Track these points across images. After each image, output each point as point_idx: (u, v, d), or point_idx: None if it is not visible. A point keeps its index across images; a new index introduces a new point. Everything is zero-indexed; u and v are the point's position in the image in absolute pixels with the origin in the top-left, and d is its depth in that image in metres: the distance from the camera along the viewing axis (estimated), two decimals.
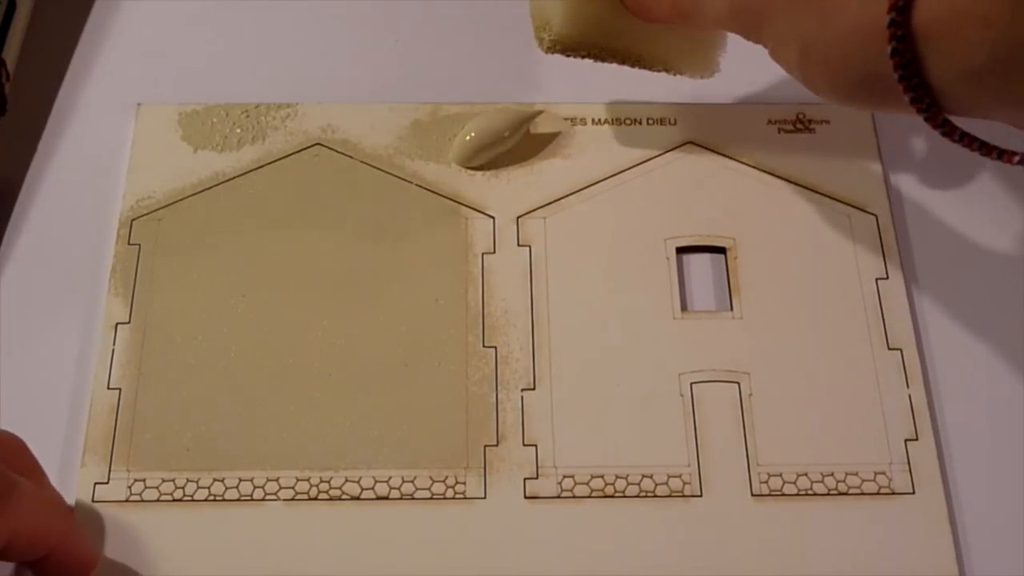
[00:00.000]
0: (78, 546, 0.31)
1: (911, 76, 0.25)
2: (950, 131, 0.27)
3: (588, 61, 0.37)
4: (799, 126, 0.40)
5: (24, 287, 0.37)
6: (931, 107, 0.26)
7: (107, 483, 0.34)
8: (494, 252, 0.38)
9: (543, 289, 0.37)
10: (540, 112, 0.40)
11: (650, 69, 0.37)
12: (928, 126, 0.27)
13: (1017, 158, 0.27)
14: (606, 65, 0.40)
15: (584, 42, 0.36)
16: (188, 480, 0.34)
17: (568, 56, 0.36)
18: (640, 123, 0.40)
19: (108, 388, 0.35)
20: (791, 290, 0.37)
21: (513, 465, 0.34)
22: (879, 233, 0.38)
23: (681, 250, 0.38)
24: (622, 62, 0.37)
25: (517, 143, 0.39)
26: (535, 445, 0.34)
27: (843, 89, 0.28)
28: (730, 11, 0.30)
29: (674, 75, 0.37)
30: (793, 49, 0.28)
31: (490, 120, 0.39)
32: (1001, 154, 0.27)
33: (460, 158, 0.39)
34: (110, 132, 0.40)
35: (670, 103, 0.41)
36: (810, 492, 0.34)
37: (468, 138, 0.39)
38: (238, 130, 0.40)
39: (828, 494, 0.34)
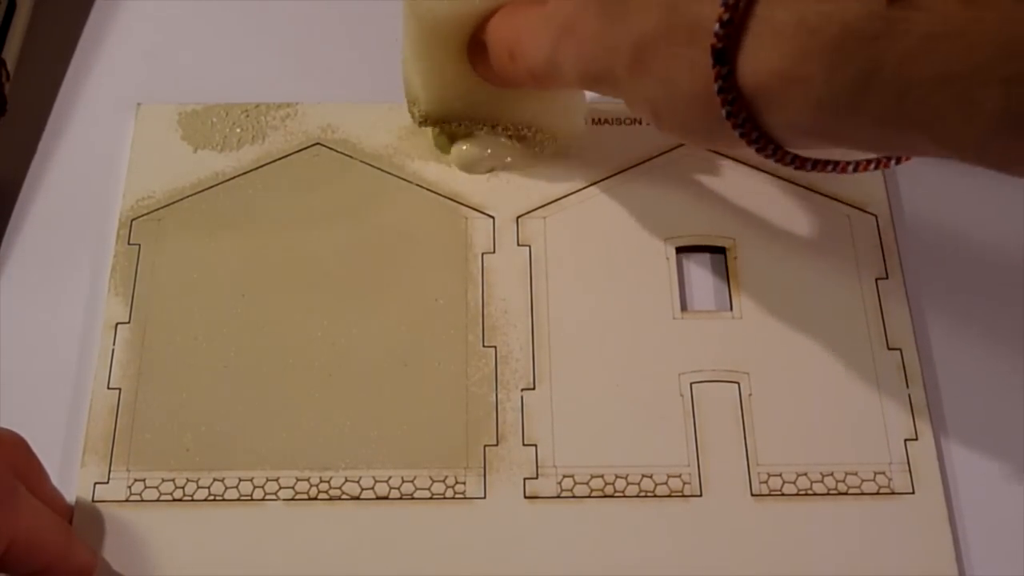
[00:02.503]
0: (75, 556, 0.31)
1: (750, 132, 0.27)
2: (800, 164, 0.28)
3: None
4: None
5: (24, 287, 0.37)
6: (776, 151, 0.28)
7: (107, 483, 0.34)
8: (494, 252, 0.38)
9: (543, 289, 0.37)
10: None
11: (522, 132, 0.38)
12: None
13: (852, 166, 0.30)
14: None
15: (453, 114, 0.38)
16: (188, 480, 0.34)
17: (442, 128, 0.39)
18: (640, 123, 0.40)
19: (108, 388, 0.35)
20: (791, 290, 0.37)
21: (513, 465, 0.34)
22: (879, 233, 0.38)
23: (681, 250, 0.38)
24: (493, 127, 0.38)
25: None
26: (535, 445, 0.34)
27: (699, 142, 0.31)
28: (579, 77, 0.31)
29: (547, 139, 0.39)
30: (645, 109, 0.30)
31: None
32: (857, 167, 0.30)
33: (461, 167, 0.39)
34: (110, 132, 0.40)
35: None
36: (810, 492, 0.34)
37: (464, 148, 0.39)
38: (238, 130, 0.40)
39: (828, 494, 0.34)
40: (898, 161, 0.31)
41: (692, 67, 0.26)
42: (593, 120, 0.40)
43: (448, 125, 0.38)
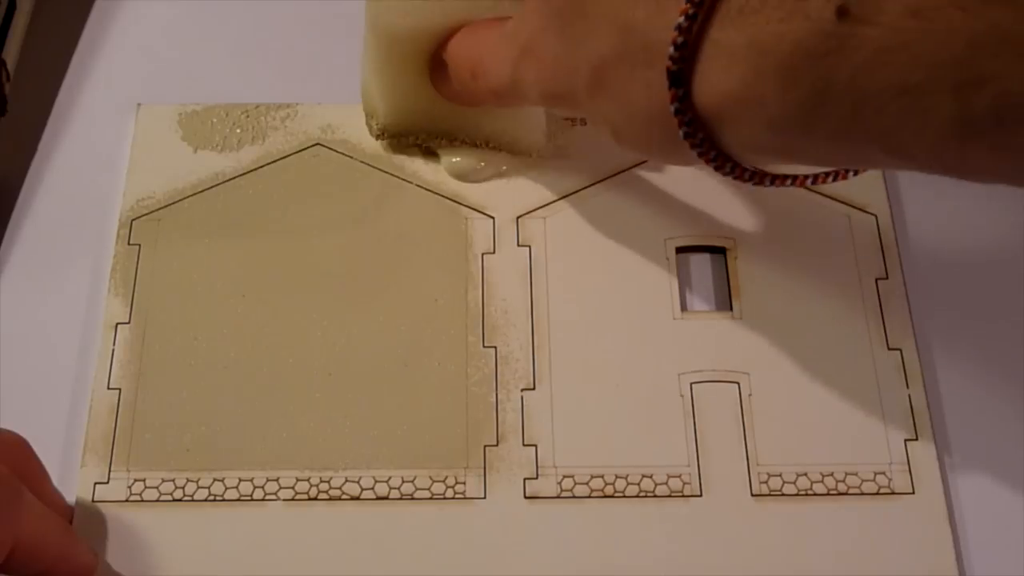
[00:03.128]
0: (76, 556, 0.31)
1: (707, 151, 0.27)
2: (759, 180, 0.29)
3: None
4: None
5: (24, 287, 0.37)
6: (735, 168, 0.28)
7: (107, 483, 0.34)
8: (494, 252, 0.38)
9: (543, 289, 0.37)
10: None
11: (484, 148, 0.38)
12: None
13: (810, 179, 0.31)
14: None
15: (411, 129, 0.38)
16: (188, 480, 0.34)
17: (399, 142, 0.39)
18: None
19: (108, 388, 0.35)
20: (791, 290, 0.37)
21: (513, 465, 0.34)
22: (879, 233, 0.38)
23: (681, 250, 0.38)
24: (451, 143, 0.38)
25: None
26: (535, 445, 0.34)
27: (658, 159, 0.32)
28: (541, 96, 0.31)
29: (507, 155, 0.39)
30: (605, 129, 0.30)
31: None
32: (815, 180, 0.31)
33: (456, 177, 0.39)
34: (110, 132, 0.40)
35: None
36: (810, 492, 0.34)
37: (455, 160, 0.39)
38: (238, 130, 0.40)
39: (828, 494, 0.34)
40: (855, 172, 0.31)
41: (648, 88, 0.27)
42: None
43: (405, 139, 0.39)
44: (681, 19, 0.25)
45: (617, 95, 0.28)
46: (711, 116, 0.26)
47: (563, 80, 0.30)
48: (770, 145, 0.26)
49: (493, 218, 0.38)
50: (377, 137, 0.39)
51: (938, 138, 0.23)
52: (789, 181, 0.29)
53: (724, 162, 0.28)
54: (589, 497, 0.34)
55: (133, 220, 0.38)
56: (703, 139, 0.27)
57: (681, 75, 0.26)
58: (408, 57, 0.35)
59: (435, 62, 0.35)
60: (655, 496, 0.34)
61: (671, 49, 0.25)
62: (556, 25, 0.29)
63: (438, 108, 0.37)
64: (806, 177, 0.30)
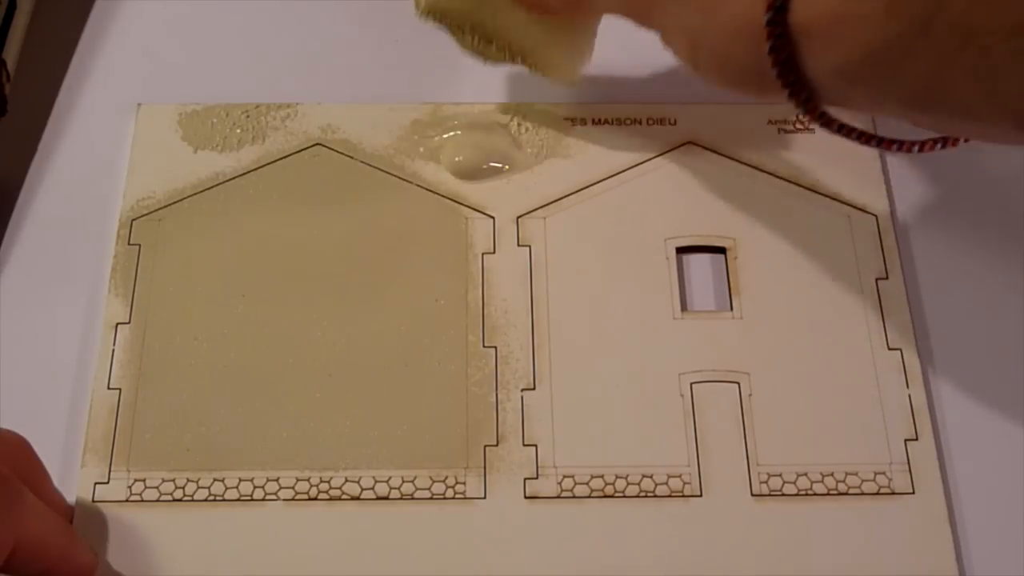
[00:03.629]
0: (77, 557, 0.31)
1: (788, 72, 0.26)
2: (828, 123, 0.28)
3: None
4: (799, 126, 0.40)
5: (24, 287, 0.37)
6: (808, 101, 0.27)
7: (107, 483, 0.34)
8: (494, 252, 0.38)
9: (543, 289, 0.37)
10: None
11: (515, 60, 0.37)
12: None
13: (895, 146, 0.29)
14: (606, 65, 0.40)
15: (458, 13, 0.36)
16: (188, 480, 0.34)
17: (438, 24, 0.36)
18: (640, 123, 0.40)
19: (108, 388, 0.35)
20: (791, 290, 0.37)
21: (513, 465, 0.34)
22: (879, 233, 0.38)
23: (681, 250, 0.38)
24: (488, 43, 0.36)
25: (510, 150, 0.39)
26: (535, 445, 0.34)
27: (730, 80, 0.29)
28: (620, 1, 0.30)
29: (536, 75, 0.37)
30: (682, 40, 0.29)
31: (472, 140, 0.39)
32: (880, 142, 0.29)
33: (457, 176, 0.39)
34: (110, 132, 0.40)
35: (670, 103, 0.40)
36: (810, 492, 0.34)
37: (458, 159, 0.39)
38: (238, 130, 0.40)
39: (828, 494, 0.34)
40: (921, 149, 0.30)
41: None
42: (592, 120, 0.40)
43: (449, 19, 0.36)
44: None
45: (706, 2, 0.27)
46: (805, 33, 0.25)
47: None
48: (859, 73, 0.25)
49: (493, 218, 0.38)
50: (423, 13, 0.36)
51: None
52: (855, 134, 0.28)
53: (800, 89, 0.26)
54: (589, 497, 0.34)
55: (133, 220, 0.38)
56: (787, 58, 0.25)
57: None
58: None
59: None
60: (655, 496, 0.34)
61: None
62: None
63: (500, 1, 0.35)
64: (872, 137, 0.29)
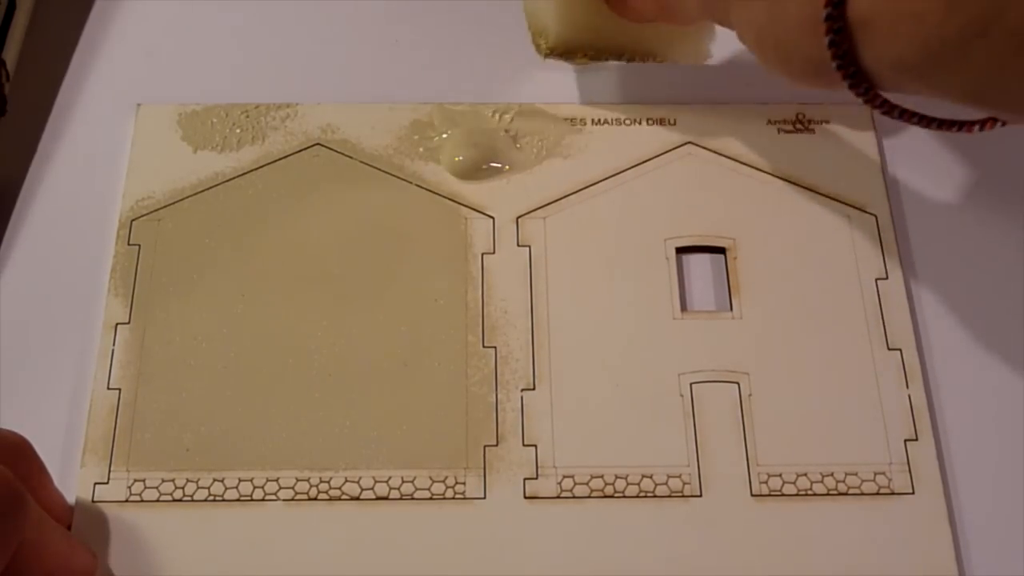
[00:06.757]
0: (76, 559, 0.31)
1: (848, 64, 0.27)
2: (889, 110, 0.28)
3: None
4: (799, 126, 0.40)
5: (24, 287, 0.37)
6: (868, 91, 0.28)
7: (107, 483, 0.34)
8: (494, 252, 0.38)
9: (543, 289, 0.37)
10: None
11: (643, 62, 0.39)
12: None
13: (956, 127, 0.30)
14: (606, 65, 0.40)
15: (580, 46, 0.38)
16: (188, 480, 0.34)
17: (566, 60, 0.39)
18: (640, 123, 0.40)
19: (108, 388, 0.35)
20: (791, 290, 0.37)
21: (513, 465, 0.34)
22: (879, 233, 0.38)
23: (681, 250, 0.38)
24: (617, 59, 0.39)
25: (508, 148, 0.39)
26: (535, 445, 0.34)
27: (794, 72, 0.30)
28: (701, 4, 0.32)
29: (668, 63, 0.39)
30: (750, 35, 0.30)
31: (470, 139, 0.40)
32: (941, 124, 0.30)
33: (457, 175, 0.39)
34: (110, 132, 0.40)
35: (670, 103, 0.41)
36: (810, 492, 0.34)
37: (459, 159, 0.39)
38: (238, 130, 0.40)
39: (828, 494, 0.34)
40: (982, 127, 0.30)
41: None
42: (592, 121, 0.40)
43: (574, 57, 0.39)
44: None
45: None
46: (863, 26, 0.25)
47: None
48: (915, 67, 0.25)
49: (493, 218, 0.38)
50: (546, 56, 0.39)
51: None
52: (916, 119, 0.29)
53: (861, 81, 0.27)
54: (589, 497, 0.34)
55: (133, 220, 0.38)
56: (847, 51, 0.26)
57: None
58: None
59: None
60: (655, 496, 0.34)
61: None
62: None
63: (609, 24, 0.37)
64: (931, 120, 0.30)
